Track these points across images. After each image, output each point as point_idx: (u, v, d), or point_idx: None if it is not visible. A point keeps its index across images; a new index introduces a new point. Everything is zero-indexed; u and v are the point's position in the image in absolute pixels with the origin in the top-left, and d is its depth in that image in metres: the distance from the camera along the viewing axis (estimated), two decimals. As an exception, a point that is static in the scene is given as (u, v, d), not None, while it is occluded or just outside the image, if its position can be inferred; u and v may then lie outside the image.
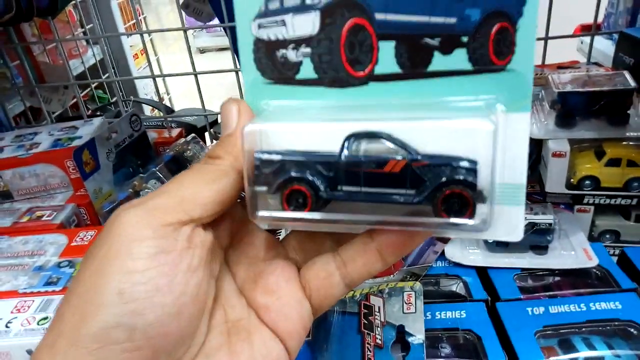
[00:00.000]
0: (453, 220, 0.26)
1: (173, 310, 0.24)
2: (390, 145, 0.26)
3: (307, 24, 0.28)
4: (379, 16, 0.27)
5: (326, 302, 0.31)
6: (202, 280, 0.26)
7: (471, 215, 0.26)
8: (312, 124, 0.28)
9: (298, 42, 0.29)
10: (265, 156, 0.28)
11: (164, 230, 0.25)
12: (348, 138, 0.26)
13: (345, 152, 0.27)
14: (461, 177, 0.25)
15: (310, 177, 0.27)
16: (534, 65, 0.26)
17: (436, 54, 0.27)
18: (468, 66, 0.27)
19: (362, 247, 0.30)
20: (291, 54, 0.29)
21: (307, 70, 0.29)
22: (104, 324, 0.22)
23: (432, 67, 0.27)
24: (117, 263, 0.23)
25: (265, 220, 0.29)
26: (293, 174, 0.28)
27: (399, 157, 0.26)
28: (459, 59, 0.27)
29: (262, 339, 0.29)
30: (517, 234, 0.27)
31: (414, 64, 0.27)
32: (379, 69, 0.28)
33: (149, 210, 0.25)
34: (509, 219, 0.27)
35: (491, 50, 0.26)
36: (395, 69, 0.28)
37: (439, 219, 0.26)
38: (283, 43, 0.29)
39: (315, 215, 0.28)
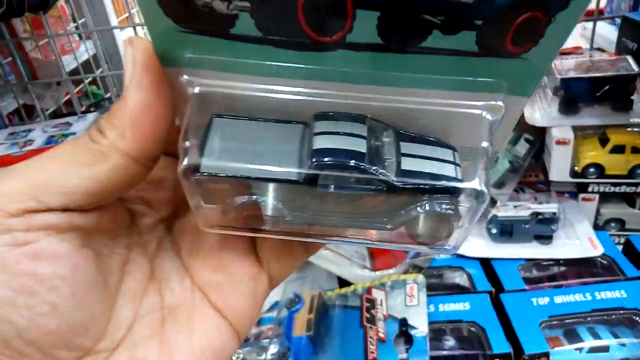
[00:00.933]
0: (427, 248, 0.25)
1: (45, 310, 0.21)
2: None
3: None
4: None
5: (287, 271, 0.28)
6: (78, 265, 0.22)
7: (444, 241, 0.24)
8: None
9: None
10: (212, 171, 0.22)
11: (10, 221, 0.20)
12: (314, 164, 0.22)
13: (310, 182, 0.22)
14: (438, 210, 0.23)
15: (273, 203, 0.23)
16: (553, 59, 0.23)
17: (434, 31, 0.22)
18: (473, 48, 0.22)
19: None
20: (219, 5, 0.21)
21: (246, 25, 0.21)
22: None
23: (426, 44, 0.22)
24: None
25: (217, 231, 0.25)
26: (252, 200, 0.23)
27: (376, 192, 0.22)
28: (464, 39, 0.22)
29: (203, 328, 0.25)
30: None
31: (401, 41, 0.22)
32: (352, 38, 0.22)
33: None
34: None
35: (509, 38, 0.22)
36: (375, 40, 0.22)
37: (410, 243, 0.25)
38: None
39: (277, 235, 0.25)
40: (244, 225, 0.25)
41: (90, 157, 0.22)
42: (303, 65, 0.22)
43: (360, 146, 0.22)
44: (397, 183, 0.22)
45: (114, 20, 1.48)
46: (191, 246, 0.27)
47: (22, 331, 0.20)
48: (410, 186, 0.22)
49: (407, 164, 0.22)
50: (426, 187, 0.22)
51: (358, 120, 0.23)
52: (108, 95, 1.35)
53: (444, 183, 0.22)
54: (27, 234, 0.21)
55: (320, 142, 0.22)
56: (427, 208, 0.23)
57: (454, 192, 0.22)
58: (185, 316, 0.25)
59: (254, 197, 0.23)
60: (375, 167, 0.22)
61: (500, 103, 0.23)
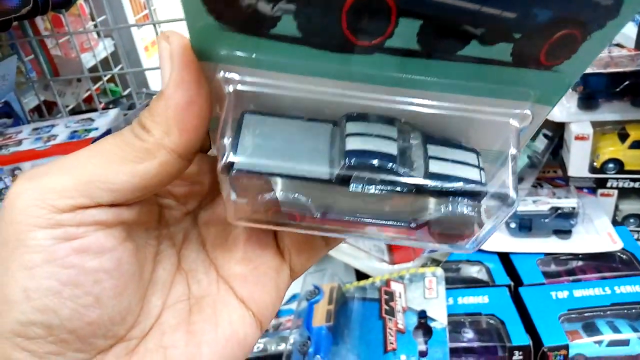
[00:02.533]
0: (447, 246, 0.26)
1: (88, 301, 0.22)
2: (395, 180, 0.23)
3: None
4: None
5: (307, 264, 0.29)
6: (122, 258, 0.23)
7: (467, 240, 0.25)
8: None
9: None
10: (245, 168, 0.22)
11: (61, 216, 0.21)
12: (345, 173, 0.22)
13: (342, 182, 0.23)
14: (462, 212, 0.24)
15: (303, 203, 0.24)
16: (581, 74, 0.23)
17: (472, 41, 0.22)
18: (507, 58, 0.22)
19: None
20: (264, 6, 0.21)
21: (287, 26, 0.22)
22: (18, 322, 0.20)
23: (462, 52, 0.22)
24: (17, 257, 0.21)
25: (245, 224, 0.26)
26: (282, 196, 0.24)
27: (406, 193, 0.23)
28: (500, 50, 0.22)
29: (228, 317, 0.26)
30: None
31: (440, 49, 0.22)
32: (391, 43, 0.22)
33: (43, 191, 0.21)
34: None
35: (544, 51, 0.22)
36: (413, 46, 0.22)
37: (432, 242, 0.26)
38: None
39: (301, 230, 0.26)
40: (271, 219, 0.25)
41: (136, 154, 0.22)
42: (338, 66, 0.23)
43: (391, 148, 0.23)
44: (425, 185, 0.23)
45: (131, 19, 1.50)
46: (216, 239, 0.28)
47: (65, 320, 0.21)
48: (438, 189, 0.23)
49: (435, 167, 0.23)
50: (453, 189, 0.23)
51: (388, 122, 0.24)
52: (126, 92, 1.37)
53: (470, 186, 0.23)
54: (77, 229, 0.21)
55: (352, 143, 0.23)
56: (452, 209, 0.24)
57: (478, 196, 0.23)
58: (211, 306, 0.26)
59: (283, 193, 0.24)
60: (405, 170, 0.23)
61: (528, 112, 0.23)
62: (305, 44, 0.22)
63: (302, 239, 0.28)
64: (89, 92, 1.16)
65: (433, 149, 0.24)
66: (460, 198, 0.23)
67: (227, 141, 0.22)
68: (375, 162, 0.22)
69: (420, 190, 0.23)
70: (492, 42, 0.22)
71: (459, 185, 0.23)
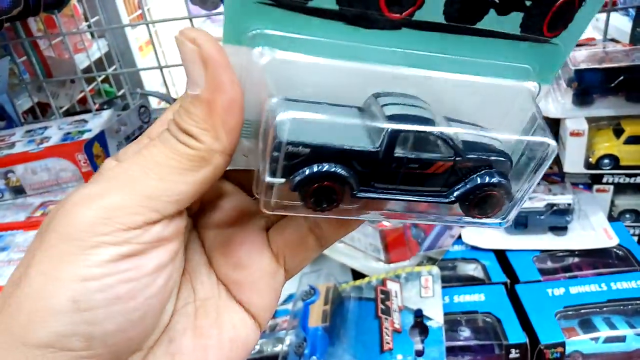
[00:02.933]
0: (483, 220, 0.26)
1: (136, 316, 0.22)
2: (438, 142, 0.24)
3: None
4: None
5: (302, 265, 0.29)
6: (172, 273, 0.24)
7: (497, 214, 0.26)
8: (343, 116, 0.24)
9: None
10: (293, 149, 0.22)
11: (128, 234, 0.21)
12: (390, 133, 0.23)
13: (388, 148, 0.23)
14: (497, 180, 0.25)
15: (345, 174, 0.24)
16: (575, 44, 0.26)
17: (491, 11, 0.24)
18: (516, 31, 0.24)
19: None
20: None
21: None
22: (57, 333, 0.20)
23: (479, 24, 0.24)
24: (71, 269, 0.20)
25: (277, 211, 0.25)
26: (326, 168, 0.23)
27: (446, 159, 0.24)
28: (512, 21, 0.24)
29: (231, 320, 0.26)
30: None
31: (463, 17, 0.24)
32: (420, 15, 0.23)
33: (109, 210, 0.21)
34: None
35: (547, 21, 0.24)
36: (439, 18, 0.24)
37: (466, 217, 0.26)
38: None
39: (338, 214, 0.25)
40: (310, 203, 0.24)
41: (191, 163, 0.22)
42: (366, 45, 0.24)
43: (427, 114, 0.24)
44: (463, 151, 0.24)
45: (125, 19, 1.49)
46: (212, 243, 0.28)
47: (108, 335, 0.21)
48: (475, 155, 0.24)
49: (464, 138, 0.25)
50: (487, 156, 0.25)
51: (413, 98, 0.25)
52: (121, 92, 1.36)
53: (500, 157, 0.25)
54: (142, 246, 0.22)
55: (391, 110, 0.24)
56: (487, 178, 0.25)
57: (506, 164, 0.25)
58: (215, 310, 0.26)
59: (327, 166, 0.24)
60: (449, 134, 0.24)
61: (535, 84, 0.26)
62: (340, 19, 0.23)
63: (296, 240, 0.28)
64: (83, 93, 1.15)
65: (455, 124, 0.25)
66: (493, 166, 0.25)
67: (281, 112, 0.22)
68: (416, 123, 0.23)
69: (459, 156, 0.24)
70: (507, 10, 0.24)
71: (491, 153, 0.25)
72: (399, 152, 0.23)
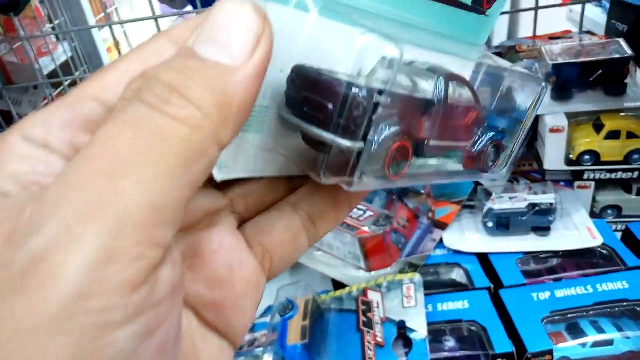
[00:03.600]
0: (485, 174, 0.27)
1: None
2: (467, 92, 0.24)
3: None
4: None
5: (287, 265, 0.24)
6: (180, 335, 0.18)
7: (498, 163, 0.27)
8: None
9: None
10: (377, 98, 0.18)
11: (137, 296, 0.14)
12: (441, 80, 0.22)
13: (442, 97, 0.23)
14: (502, 130, 0.26)
15: (416, 129, 0.22)
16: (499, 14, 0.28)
17: None
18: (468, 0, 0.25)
19: (332, 198, 0.24)
20: None
21: None
22: None
23: None
24: None
25: (357, 187, 0.20)
26: (404, 124, 0.21)
27: (478, 109, 0.25)
28: None
29: (209, 353, 0.21)
30: None
31: None
32: None
33: (96, 265, 0.13)
34: None
35: None
36: None
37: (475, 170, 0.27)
38: None
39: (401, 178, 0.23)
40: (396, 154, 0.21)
41: (183, 153, 0.15)
42: None
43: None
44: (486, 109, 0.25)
45: (92, 20, 1.44)
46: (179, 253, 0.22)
47: None
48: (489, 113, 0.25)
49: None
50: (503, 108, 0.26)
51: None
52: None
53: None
54: (157, 310, 0.14)
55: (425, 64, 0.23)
56: (496, 130, 0.26)
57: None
58: (190, 341, 0.21)
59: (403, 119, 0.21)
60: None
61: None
62: None
63: (289, 240, 0.24)
64: (47, 100, 1.10)
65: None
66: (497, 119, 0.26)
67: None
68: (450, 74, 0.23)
69: (483, 107, 0.25)
70: None
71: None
72: (449, 102, 0.23)
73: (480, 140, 0.26)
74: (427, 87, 0.23)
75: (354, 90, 0.18)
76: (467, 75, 0.26)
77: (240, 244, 0.22)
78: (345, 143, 0.19)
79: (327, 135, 0.19)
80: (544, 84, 0.26)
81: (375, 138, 0.19)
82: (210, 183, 0.22)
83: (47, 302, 0.13)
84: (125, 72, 0.17)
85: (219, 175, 0.22)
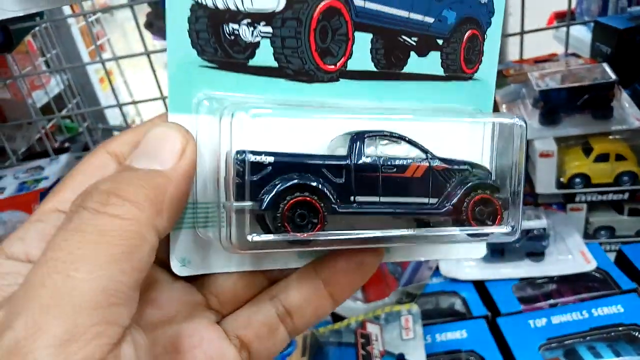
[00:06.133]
0: (485, 229, 0.25)
1: None
2: (405, 146, 0.24)
3: None
4: (358, 2, 0.24)
5: (268, 357, 0.26)
6: None
7: (500, 222, 0.25)
8: (305, 119, 0.24)
9: (256, 18, 0.22)
10: (256, 158, 0.21)
11: None
12: (354, 139, 0.23)
13: (356, 154, 0.23)
14: (488, 181, 0.25)
15: (319, 185, 0.22)
16: (496, 75, 0.28)
17: (412, 55, 0.26)
18: (440, 71, 0.26)
19: (311, 291, 0.25)
20: (245, 31, 0.23)
21: (264, 56, 0.23)
22: None
23: (406, 69, 0.26)
24: None
25: (250, 247, 0.21)
26: (296, 180, 0.21)
27: (421, 160, 0.24)
28: (432, 62, 0.26)
29: None
30: None
31: (390, 63, 0.25)
32: (352, 65, 0.24)
33: (57, 351, 0.15)
34: None
35: (462, 57, 0.26)
36: (369, 66, 0.25)
37: (468, 229, 0.25)
38: (235, 15, 0.22)
39: (325, 236, 0.22)
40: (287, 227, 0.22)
41: (125, 241, 0.17)
42: (311, 97, 0.24)
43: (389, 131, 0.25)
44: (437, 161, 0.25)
45: (84, 51, 1.45)
46: (154, 349, 0.23)
47: None
48: (449, 158, 0.25)
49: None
50: (462, 161, 0.25)
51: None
52: (85, 125, 1.31)
53: (476, 164, 0.26)
54: None
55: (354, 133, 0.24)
56: (473, 181, 0.25)
57: (486, 169, 0.26)
58: None
59: (297, 176, 0.22)
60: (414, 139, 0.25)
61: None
62: (280, 76, 0.24)
63: (266, 333, 0.25)
64: (43, 131, 1.10)
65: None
66: (474, 169, 0.26)
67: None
68: (376, 131, 0.24)
69: (429, 154, 0.25)
70: (425, 51, 0.26)
71: (466, 161, 0.25)
72: (368, 158, 0.23)
73: (453, 194, 0.24)
74: (401, 153, 0.24)
75: (239, 153, 0.21)
76: (468, 132, 0.26)
77: (221, 337, 0.24)
78: (232, 203, 0.21)
79: (223, 200, 0.22)
80: (522, 123, 0.27)
81: (260, 196, 0.21)
82: (182, 278, 0.24)
83: None
84: (75, 186, 0.21)
85: (181, 271, 0.23)
